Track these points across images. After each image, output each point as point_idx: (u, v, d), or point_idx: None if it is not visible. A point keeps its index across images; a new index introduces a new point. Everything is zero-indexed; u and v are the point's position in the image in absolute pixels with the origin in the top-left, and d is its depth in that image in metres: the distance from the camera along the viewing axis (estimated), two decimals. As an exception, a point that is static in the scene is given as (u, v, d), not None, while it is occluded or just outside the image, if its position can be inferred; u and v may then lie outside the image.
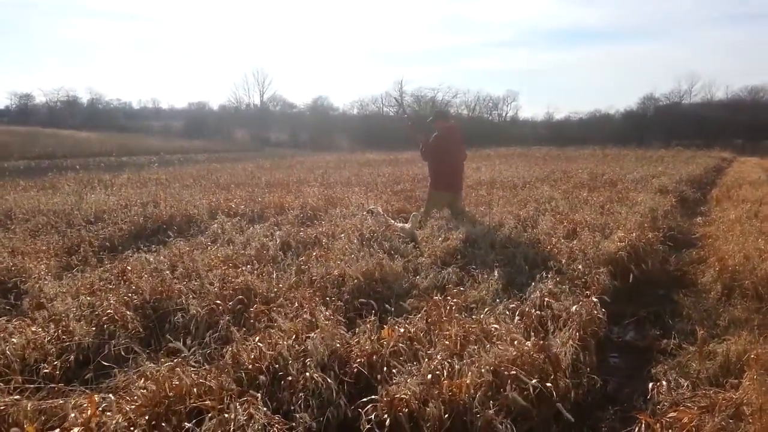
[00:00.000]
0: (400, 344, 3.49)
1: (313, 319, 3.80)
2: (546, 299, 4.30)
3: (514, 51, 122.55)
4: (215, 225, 7.63)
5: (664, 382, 3.29)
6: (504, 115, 76.41)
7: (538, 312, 4.09)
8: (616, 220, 7.69)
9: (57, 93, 70.27)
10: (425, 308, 4.15)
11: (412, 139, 8.66)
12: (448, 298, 4.40)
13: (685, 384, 3.34)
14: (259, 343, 3.35)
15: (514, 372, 3.06)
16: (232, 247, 6.27)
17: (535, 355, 3.27)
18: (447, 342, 3.52)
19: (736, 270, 5.40)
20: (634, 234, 6.50)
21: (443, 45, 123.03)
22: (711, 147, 42.58)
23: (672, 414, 2.76)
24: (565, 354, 3.44)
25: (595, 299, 4.27)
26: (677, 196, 11.28)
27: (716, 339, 3.98)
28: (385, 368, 3.22)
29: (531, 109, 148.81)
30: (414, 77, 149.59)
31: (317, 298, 4.34)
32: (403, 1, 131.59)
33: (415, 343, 3.59)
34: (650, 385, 3.26)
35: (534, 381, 2.98)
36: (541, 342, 3.41)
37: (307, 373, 3.05)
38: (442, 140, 8.12)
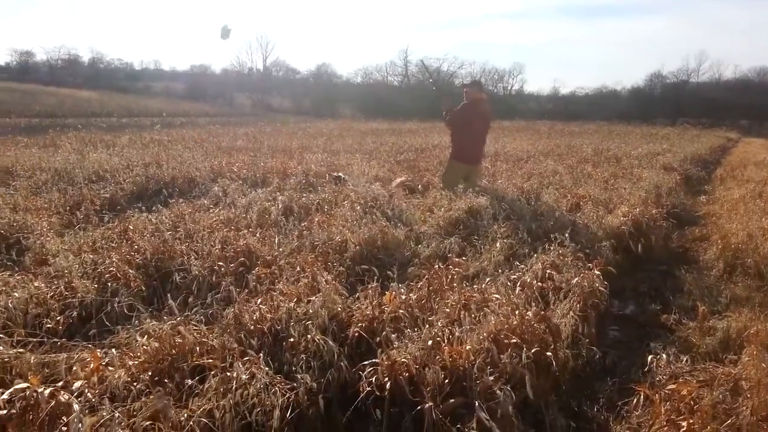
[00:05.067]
0: (401, 311, 3.49)
1: (315, 283, 3.81)
2: (548, 271, 4.30)
3: (521, 23, 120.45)
4: (217, 188, 7.59)
5: (663, 356, 3.32)
6: (509, 88, 75.83)
7: (539, 283, 4.09)
8: (620, 195, 7.66)
9: (58, 51, 69.26)
10: (427, 276, 4.15)
11: (438, 104, 8.45)
12: (450, 267, 4.39)
13: (685, 358, 3.36)
14: (261, 305, 3.36)
15: (515, 340, 3.07)
16: (234, 211, 6.25)
17: (535, 324, 3.27)
18: (448, 309, 3.53)
19: (739, 248, 5.40)
20: (637, 209, 6.48)
21: (449, 15, 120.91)
22: (717, 127, 42.28)
23: (671, 387, 2.78)
24: (566, 325, 3.45)
25: (597, 272, 4.27)
26: (682, 174, 11.22)
27: (716, 315, 4.00)
28: (385, 333, 3.23)
29: (537, 83, 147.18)
30: (419, 47, 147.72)
31: (319, 263, 4.34)
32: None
33: (416, 309, 3.60)
34: (649, 358, 3.27)
35: (533, 350, 2.99)
36: (542, 312, 3.41)
37: (309, 336, 3.06)
38: (468, 110, 7.99)
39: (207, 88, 68.38)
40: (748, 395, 2.82)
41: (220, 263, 4.19)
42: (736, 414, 2.69)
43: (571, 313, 3.59)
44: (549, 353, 3.08)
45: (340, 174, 8.28)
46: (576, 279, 4.10)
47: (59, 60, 69.56)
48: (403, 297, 3.70)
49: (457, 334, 3.16)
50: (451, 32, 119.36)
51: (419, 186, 8.48)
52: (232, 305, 3.42)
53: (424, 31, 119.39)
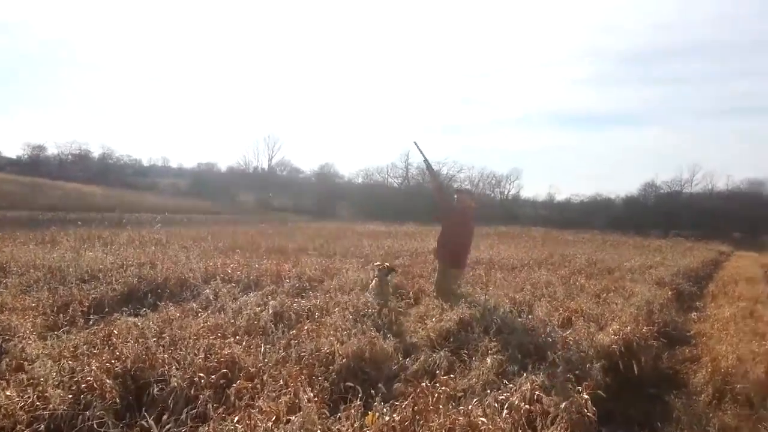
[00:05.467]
0: (383, 434, 3.40)
1: (297, 400, 3.72)
2: (536, 392, 4.22)
3: (519, 131, 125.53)
4: (208, 290, 7.58)
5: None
6: (506, 193, 77.63)
7: (527, 406, 4.01)
8: (612, 310, 7.65)
9: (69, 146, 71.42)
10: (412, 395, 4.07)
11: (437, 200, 8.57)
12: (437, 385, 4.32)
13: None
14: (237, 424, 3.27)
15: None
16: (223, 315, 6.22)
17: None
18: (432, 434, 3.42)
19: (729, 372, 5.32)
20: (628, 328, 6.45)
21: (450, 121, 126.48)
22: (709, 239, 42.78)
23: None
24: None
25: (585, 396, 4.19)
26: (674, 289, 11.22)
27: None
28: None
29: (533, 188, 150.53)
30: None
31: (303, 377, 4.26)
32: (406, 77, 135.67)
33: (397, 432, 3.49)
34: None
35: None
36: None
37: (285, 461, 2.95)
38: (458, 215, 8.19)
39: (211, 185, 70.08)
40: None
41: (201, 374, 4.12)
42: None
43: (559, 441, 3.49)
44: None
45: (386, 264, 8.26)
46: (564, 403, 4.01)
47: (69, 154, 71.59)
48: (386, 418, 3.60)
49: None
50: (452, 137, 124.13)
51: (410, 293, 8.46)
52: (207, 423, 3.32)
53: (427, 135, 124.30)
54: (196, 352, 4.60)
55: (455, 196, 8.49)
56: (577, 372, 5.02)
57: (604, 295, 9.26)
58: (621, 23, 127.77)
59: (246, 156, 76.84)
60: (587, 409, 4.01)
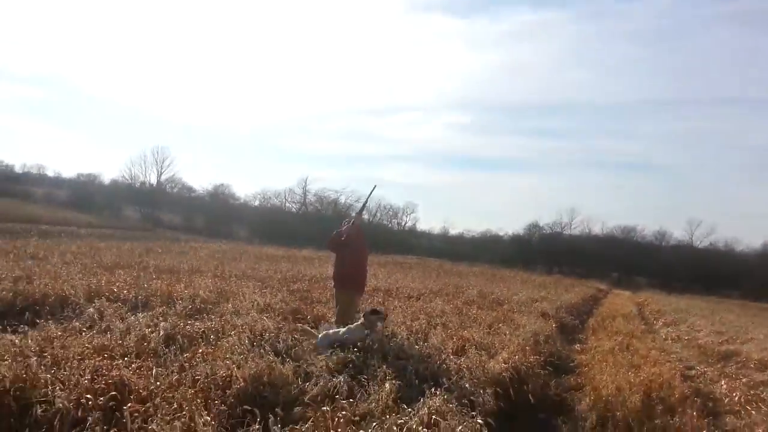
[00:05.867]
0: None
1: (192, 424, 3.55)
2: (433, 417, 4.32)
3: (415, 167, 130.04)
4: (92, 309, 7.08)
5: None
6: (403, 224, 79.27)
7: (425, 430, 4.08)
8: (502, 340, 8.00)
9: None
10: (312, 418, 4.03)
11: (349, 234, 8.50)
12: (337, 409, 4.30)
13: None
14: (128, 449, 3.06)
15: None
16: (109, 336, 5.82)
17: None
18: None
19: (609, 401, 5.74)
20: (517, 356, 6.79)
21: (347, 151, 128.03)
22: (589, 277, 46.20)
23: None
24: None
25: (479, 420, 4.34)
26: (557, 322, 11.98)
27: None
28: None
29: (428, 221, 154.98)
30: (319, 177, 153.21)
31: (199, 400, 4.08)
32: (307, 106, 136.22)
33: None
34: None
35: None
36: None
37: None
38: (352, 239, 8.18)
39: (94, 198, 65.32)
40: None
41: (88, 396, 3.82)
42: None
43: (456, 465, 3.58)
44: None
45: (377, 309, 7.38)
46: (460, 428, 4.14)
47: (-70, 155, 64.10)
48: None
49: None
50: (350, 167, 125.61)
51: (309, 318, 8.39)
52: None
53: (324, 163, 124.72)
54: (81, 372, 4.27)
55: (349, 222, 8.51)
56: (471, 398, 5.20)
57: (495, 325, 9.67)
58: (499, 80, 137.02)
59: (132, 169, 71.80)
60: (481, 433, 4.16)
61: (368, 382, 5.21)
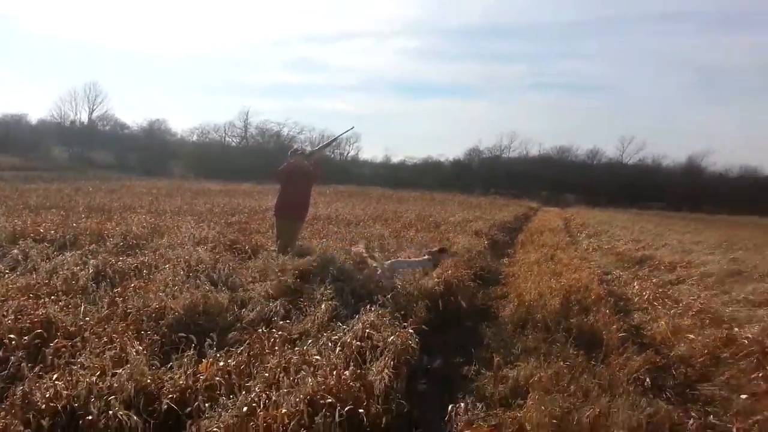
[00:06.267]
0: (218, 378, 3.44)
1: (124, 354, 3.60)
2: (367, 330, 4.52)
3: (358, 96, 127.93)
4: (17, 250, 6.84)
5: (462, 405, 3.66)
6: (346, 154, 78.66)
7: (358, 343, 4.28)
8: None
9: None
10: (248, 341, 4.15)
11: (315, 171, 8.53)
12: (273, 330, 4.44)
13: (480, 405, 3.74)
14: (56, 381, 3.09)
15: (330, 400, 3.18)
16: (35, 276, 5.68)
17: (351, 383, 3.43)
18: (267, 374, 3.55)
19: (531, 305, 6.15)
20: (449, 271, 7.10)
21: (291, 82, 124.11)
22: (523, 197, 47.79)
23: (466, 432, 3.07)
24: (380, 381, 3.65)
25: (410, 330, 4.59)
26: (489, 239, 12.48)
27: (509, 365, 4.50)
28: (197, 403, 3.14)
29: (371, 150, 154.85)
30: (261, 109, 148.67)
31: (130, 332, 4.11)
32: (250, 35, 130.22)
33: (234, 376, 3.56)
34: (450, 407, 3.59)
35: (347, 408, 3.13)
36: (358, 371, 3.59)
37: (111, 412, 2.87)
38: (290, 171, 8.16)
39: (20, 139, 61.00)
40: (530, 435, 3.22)
41: (12, 336, 3.78)
42: (518, 453, 3.05)
43: (386, 370, 3.81)
44: (362, 410, 3.23)
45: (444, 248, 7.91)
46: (392, 337, 4.36)
47: None
48: (221, 363, 3.65)
49: (274, 398, 3.20)
50: (295, 99, 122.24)
51: (247, 248, 8.41)
52: (23, 382, 3.10)
53: (266, 96, 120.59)
54: (4, 313, 4.19)
55: (297, 153, 8.46)
56: (403, 311, 5.45)
57: (431, 245, 9.98)
58: (449, 3, 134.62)
59: (62, 107, 67.01)
60: (411, 341, 4.41)
61: (306, 305, 5.35)
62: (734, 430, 3.51)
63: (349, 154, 78.97)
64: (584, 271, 8.50)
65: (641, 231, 18.26)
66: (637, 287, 7.98)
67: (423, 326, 5.05)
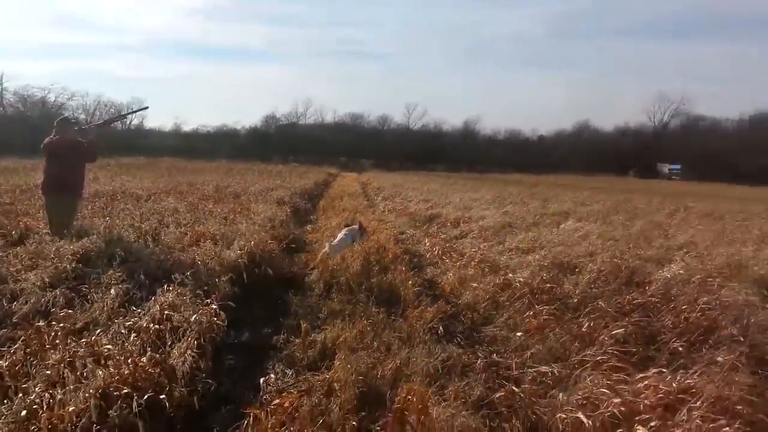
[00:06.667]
0: (-15, 384, 2.98)
1: None
2: (166, 312, 4.27)
3: (139, 58, 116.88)
4: None
5: (272, 375, 3.68)
6: (129, 123, 71.90)
7: (157, 326, 4.02)
8: (239, 230, 8.10)
9: None
10: (24, 337, 3.65)
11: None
12: (53, 323, 3.96)
13: (290, 372, 3.80)
14: None
15: (126, 390, 2.96)
16: None
17: (150, 370, 3.23)
18: (48, 371, 3.17)
19: (335, 269, 6.35)
20: (253, 242, 6.99)
21: (57, 42, 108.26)
22: (322, 164, 48.79)
23: (276, 402, 3.09)
24: (183, 363, 3.49)
25: (214, 306, 4.44)
26: (292, 207, 12.54)
27: (317, 330, 4.62)
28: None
29: (159, 118, 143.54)
30: (19, 72, 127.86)
31: None
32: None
33: (6, 378, 3.12)
34: (261, 379, 3.58)
35: (146, 396, 2.94)
36: (157, 356, 3.38)
37: None
38: (53, 146, 7.18)
39: None
40: (339, 394, 3.36)
41: None
42: (328, 413, 3.16)
43: (189, 351, 3.65)
44: (163, 396, 3.07)
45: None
46: (195, 316, 4.18)
47: None
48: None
49: (59, 397, 2.88)
50: (61, 60, 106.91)
51: (14, 232, 7.32)
52: None
53: (26, 56, 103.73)
54: None
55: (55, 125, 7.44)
56: (206, 288, 5.25)
57: (232, 216, 9.71)
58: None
59: None
60: (216, 317, 4.28)
61: (92, 292, 4.86)
62: (513, 364, 4.04)
63: (133, 123, 72.45)
64: (382, 232, 9.00)
65: (429, 191, 19.79)
66: (428, 244, 8.69)
67: (229, 302, 4.92)
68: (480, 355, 4.33)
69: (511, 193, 19.94)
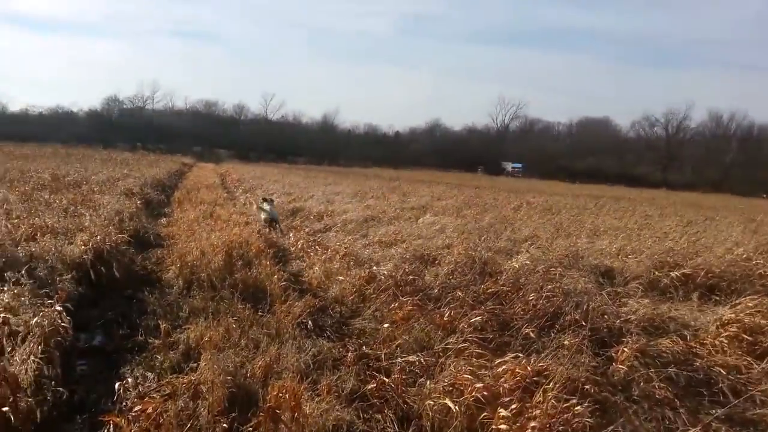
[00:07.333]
0: None
1: None
2: (2, 315, 3.80)
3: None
4: None
5: (130, 379, 3.44)
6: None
7: (-10, 332, 3.57)
8: (82, 223, 7.41)
9: None
10: None
11: None
12: None
13: (152, 376, 3.58)
14: None
15: (-42, 407, 2.60)
16: None
17: (-14, 381, 2.87)
18: None
19: (195, 265, 6.07)
20: (99, 237, 6.44)
21: None
22: (174, 152, 46.15)
23: (138, 408, 2.91)
24: (27, 371, 3.15)
25: (58, 308, 4.04)
26: (143, 199, 11.72)
27: (178, 329, 4.39)
28: None
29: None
30: None
31: None
32: None
33: None
34: (117, 385, 3.33)
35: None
36: (-5, 365, 3.01)
37: None
38: None
39: None
40: (206, 396, 3.22)
41: None
42: (196, 417, 3.03)
43: (32, 357, 3.30)
44: (6, 408, 2.75)
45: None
46: (36, 319, 3.77)
47: None
48: None
49: None
50: None
51: None
52: None
53: None
54: None
55: None
56: (47, 287, 4.74)
57: (73, 208, 8.84)
58: None
59: None
60: (61, 320, 3.89)
61: None
62: (382, 355, 4.16)
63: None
64: (244, 226, 8.75)
65: (291, 184, 19.56)
66: (292, 237, 8.62)
67: (74, 302, 4.50)
68: (350, 347, 4.40)
69: (371, 187, 20.36)
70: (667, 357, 4.15)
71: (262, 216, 9.53)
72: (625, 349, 4.07)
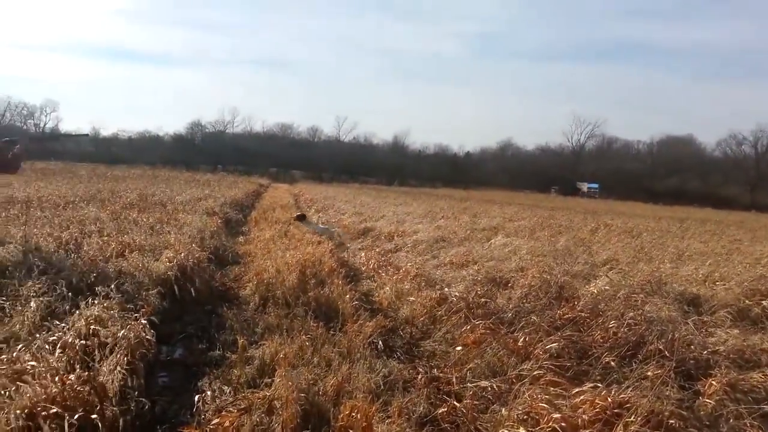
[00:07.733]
0: None
1: None
2: (93, 327, 4.05)
3: (53, 59, 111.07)
4: None
5: (208, 392, 3.56)
6: (43, 125, 68.04)
7: (83, 341, 3.82)
8: (166, 240, 7.82)
9: None
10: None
11: None
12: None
13: (228, 390, 3.68)
14: None
15: (55, 410, 2.78)
16: None
17: (79, 387, 3.05)
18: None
19: (270, 282, 6.25)
20: (182, 254, 6.76)
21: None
22: (251, 174, 47.96)
23: (215, 421, 3.00)
24: (113, 381, 3.33)
25: (144, 321, 4.26)
26: (222, 218, 12.23)
27: (254, 345, 4.51)
28: None
29: (74, 122, 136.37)
30: None
31: None
32: None
33: None
34: (196, 397, 3.45)
35: (76, 416, 2.78)
36: (87, 373, 3.21)
37: None
38: None
39: None
40: (280, 412, 3.29)
41: None
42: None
43: (119, 367, 3.49)
44: (95, 415, 2.91)
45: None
46: (123, 331, 3.99)
47: None
48: None
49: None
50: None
51: None
52: None
53: None
54: None
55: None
56: (134, 302, 5.02)
57: (159, 226, 9.35)
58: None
59: None
60: (146, 333, 4.10)
61: (11, 305, 4.54)
62: (453, 379, 4.11)
63: (47, 126, 68.60)
64: (317, 246, 8.94)
65: (362, 204, 19.86)
66: (363, 257, 8.72)
67: (158, 316, 4.74)
68: (420, 370, 4.36)
69: (442, 207, 20.33)
70: (759, 392, 3.85)
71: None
72: (714, 383, 3.81)
